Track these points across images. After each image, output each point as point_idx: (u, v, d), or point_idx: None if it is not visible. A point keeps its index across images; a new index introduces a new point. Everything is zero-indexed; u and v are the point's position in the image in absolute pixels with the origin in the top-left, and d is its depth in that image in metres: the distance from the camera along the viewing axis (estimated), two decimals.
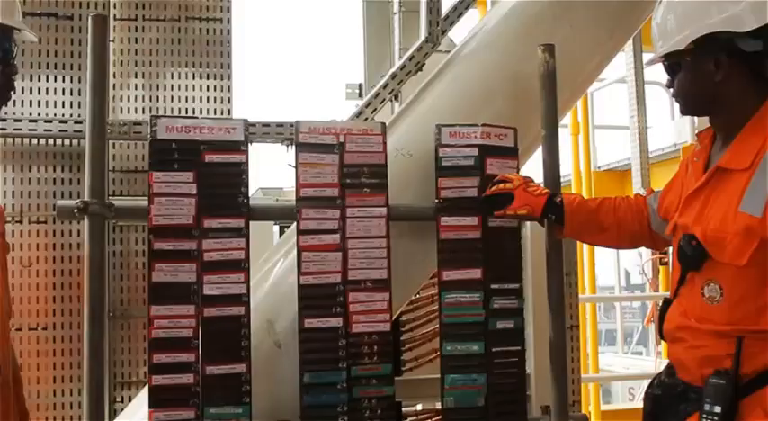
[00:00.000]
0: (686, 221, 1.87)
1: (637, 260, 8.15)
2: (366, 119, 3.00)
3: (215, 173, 2.09)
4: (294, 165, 2.16)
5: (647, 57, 7.01)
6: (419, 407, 3.29)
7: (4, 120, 2.92)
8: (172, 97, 3.14)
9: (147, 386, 2.03)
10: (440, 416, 2.49)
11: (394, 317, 2.34)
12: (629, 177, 6.71)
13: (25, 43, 2.95)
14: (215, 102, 3.17)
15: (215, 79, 3.17)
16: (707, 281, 1.81)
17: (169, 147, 2.08)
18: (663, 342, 2.13)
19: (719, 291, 1.78)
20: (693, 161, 1.96)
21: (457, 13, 3.03)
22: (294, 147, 2.17)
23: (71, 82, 3.02)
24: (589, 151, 7.58)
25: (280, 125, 3.07)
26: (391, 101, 3.10)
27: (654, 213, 2.13)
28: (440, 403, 2.25)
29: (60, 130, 2.95)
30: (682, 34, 1.84)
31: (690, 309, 1.85)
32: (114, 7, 3.12)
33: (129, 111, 3.10)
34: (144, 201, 2.06)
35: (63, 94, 3.01)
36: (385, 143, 2.23)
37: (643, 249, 5.31)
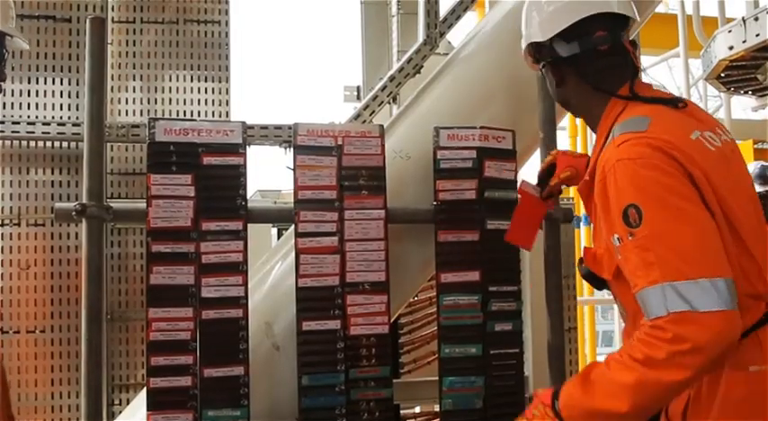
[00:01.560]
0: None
1: None
2: (364, 121, 3.00)
3: (213, 175, 2.09)
4: (292, 167, 2.16)
5: (644, 59, 7.03)
6: (417, 409, 3.29)
7: (3, 122, 2.91)
8: (170, 100, 3.14)
9: (145, 388, 2.03)
10: (438, 419, 2.48)
11: (392, 320, 2.34)
12: None
13: None
14: (213, 104, 3.17)
15: (213, 82, 3.17)
16: (615, 299, 1.73)
17: (167, 149, 2.08)
18: None
19: (622, 308, 1.69)
20: None
21: (455, 15, 3.04)
22: (292, 149, 2.17)
23: (69, 84, 3.01)
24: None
25: (278, 127, 3.07)
26: (389, 103, 3.11)
27: None
28: (438, 405, 2.25)
29: (58, 133, 2.95)
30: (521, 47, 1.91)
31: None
32: (112, 9, 3.11)
33: (127, 114, 3.10)
34: (142, 204, 2.06)
35: (61, 96, 3.01)
36: (383, 145, 2.23)
37: None
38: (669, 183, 1.48)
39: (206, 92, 3.17)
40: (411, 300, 2.86)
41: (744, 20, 4.91)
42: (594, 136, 1.80)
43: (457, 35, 3.24)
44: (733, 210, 1.52)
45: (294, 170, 2.16)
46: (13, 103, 2.97)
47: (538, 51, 1.83)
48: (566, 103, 1.85)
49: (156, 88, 3.13)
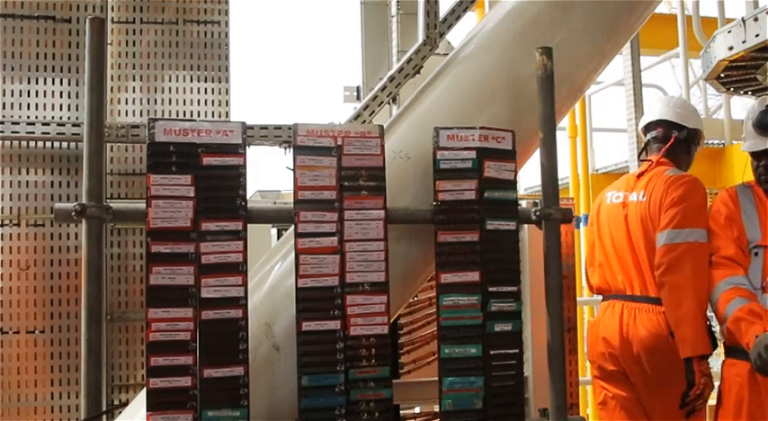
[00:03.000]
0: None
1: None
2: (364, 121, 3.00)
3: (213, 175, 2.09)
4: (292, 167, 2.16)
5: (644, 59, 7.03)
6: (417, 409, 3.29)
7: (2, 122, 2.91)
8: (170, 100, 3.14)
9: (144, 389, 2.03)
10: (438, 419, 2.48)
11: (392, 320, 2.34)
12: None
13: (23, 46, 2.96)
14: (213, 104, 3.17)
15: (213, 82, 3.17)
16: None
17: (167, 149, 2.08)
18: None
19: None
20: None
21: (455, 15, 3.04)
22: (292, 149, 2.17)
23: (69, 85, 3.01)
24: (587, 154, 7.59)
25: (278, 128, 3.07)
26: (389, 104, 3.10)
27: None
28: (438, 406, 2.25)
29: (58, 133, 2.95)
30: None
31: None
32: (112, 10, 3.12)
33: (126, 114, 3.10)
34: (142, 204, 2.06)
35: (61, 96, 3.01)
36: (383, 146, 2.23)
37: None
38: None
39: (206, 92, 3.17)
40: (411, 300, 2.86)
41: (743, 20, 4.91)
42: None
43: (457, 35, 3.25)
44: (600, 235, 3.11)
45: (294, 170, 2.16)
46: (12, 104, 2.97)
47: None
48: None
49: (155, 88, 3.13)
